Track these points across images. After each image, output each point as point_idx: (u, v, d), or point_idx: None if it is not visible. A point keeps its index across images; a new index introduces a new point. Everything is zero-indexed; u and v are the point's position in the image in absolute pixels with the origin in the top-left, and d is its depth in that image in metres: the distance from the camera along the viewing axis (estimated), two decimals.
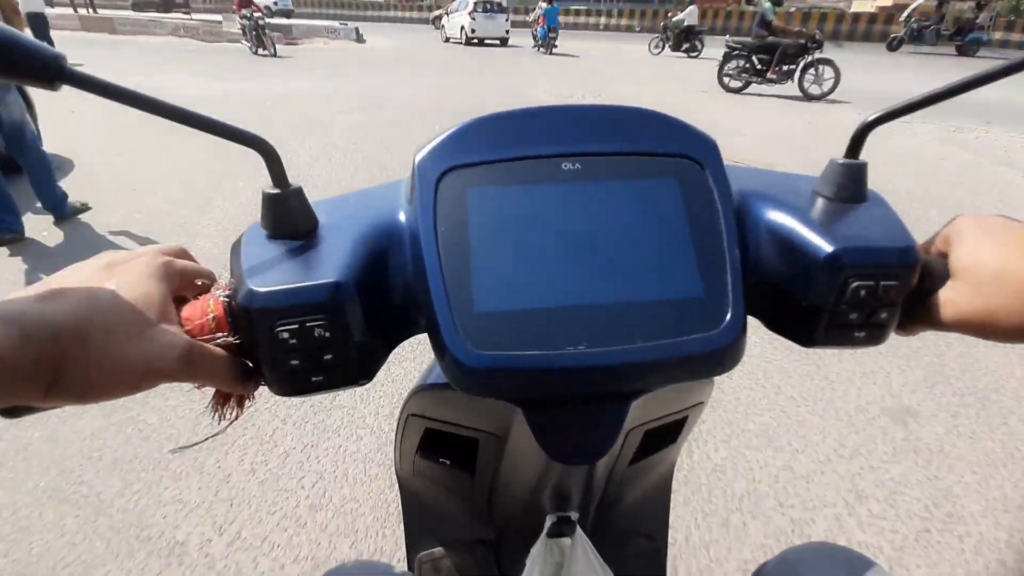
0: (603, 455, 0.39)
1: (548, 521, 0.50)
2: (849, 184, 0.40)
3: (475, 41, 18.08)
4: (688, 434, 0.57)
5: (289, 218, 0.38)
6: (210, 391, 0.38)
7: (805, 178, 0.44)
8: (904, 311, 0.39)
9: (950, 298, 0.38)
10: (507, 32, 18.37)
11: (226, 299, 0.36)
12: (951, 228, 0.39)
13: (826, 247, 0.36)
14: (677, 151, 0.39)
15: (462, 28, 18.31)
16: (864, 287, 0.36)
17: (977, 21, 17.33)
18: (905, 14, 18.91)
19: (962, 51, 17.56)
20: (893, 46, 18.04)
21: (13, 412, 0.31)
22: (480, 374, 0.34)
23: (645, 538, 0.69)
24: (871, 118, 0.38)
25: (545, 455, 0.39)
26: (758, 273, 0.39)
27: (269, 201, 0.37)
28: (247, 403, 0.39)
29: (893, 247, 0.37)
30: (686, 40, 15.24)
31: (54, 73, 0.28)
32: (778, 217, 0.39)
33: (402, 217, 0.39)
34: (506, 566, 0.64)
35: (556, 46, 16.00)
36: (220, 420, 0.38)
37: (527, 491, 0.51)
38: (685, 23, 15.19)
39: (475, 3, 17.73)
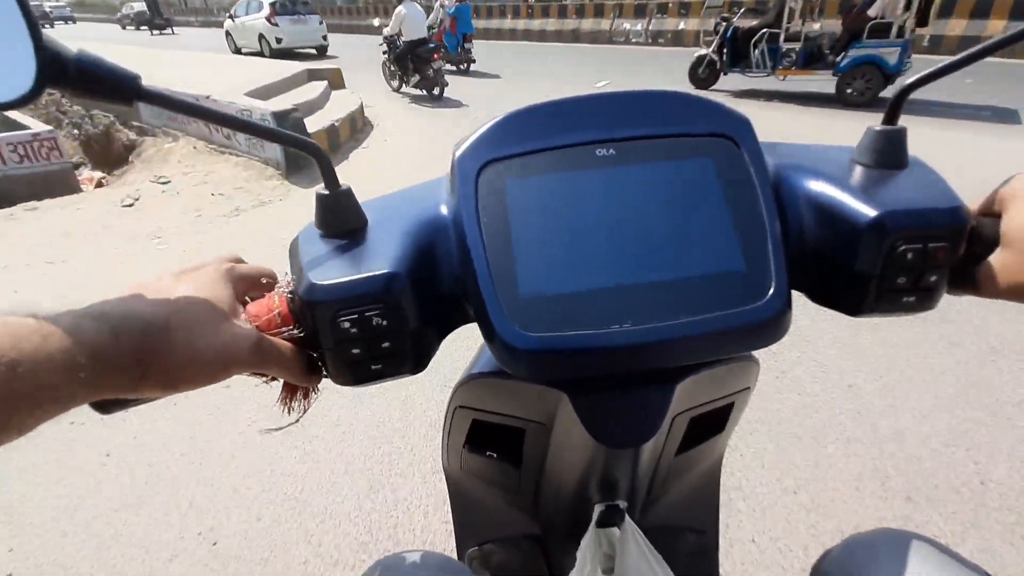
0: (650, 437, 0.40)
1: (596, 511, 0.51)
2: (888, 150, 0.41)
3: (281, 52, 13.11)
4: (735, 423, 0.57)
5: (341, 217, 0.40)
6: (277, 387, 0.40)
7: (842, 148, 0.44)
8: (953, 274, 0.39)
9: (997, 268, 0.37)
10: (324, 39, 14.40)
11: (289, 295, 0.38)
12: (1007, 188, 0.38)
13: (871, 212, 0.37)
14: (710, 130, 0.40)
15: (261, 37, 13.92)
16: (912, 250, 0.36)
17: (872, 13, 6.39)
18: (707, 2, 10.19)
19: (840, 92, 6.74)
20: (701, 75, 7.85)
21: (106, 408, 0.33)
22: (530, 355, 0.36)
23: (695, 533, 0.68)
24: (908, 83, 0.38)
25: (592, 440, 0.40)
26: (801, 245, 0.40)
27: (322, 201, 0.40)
28: (312, 395, 0.41)
29: (940, 208, 0.37)
30: (424, 81, 7.92)
31: (132, 92, 0.31)
32: (818, 187, 0.40)
33: (445, 211, 0.41)
34: (554, 560, 0.64)
35: (474, 61, 10.25)
36: (288, 412, 0.40)
37: (574, 480, 0.52)
38: (402, 37, 7.81)
39: (272, 3, 13.60)
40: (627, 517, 0.51)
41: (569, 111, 0.41)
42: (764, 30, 7.07)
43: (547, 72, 10.05)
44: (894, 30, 6.09)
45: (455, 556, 0.68)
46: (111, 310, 0.30)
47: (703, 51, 7.75)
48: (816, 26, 7.83)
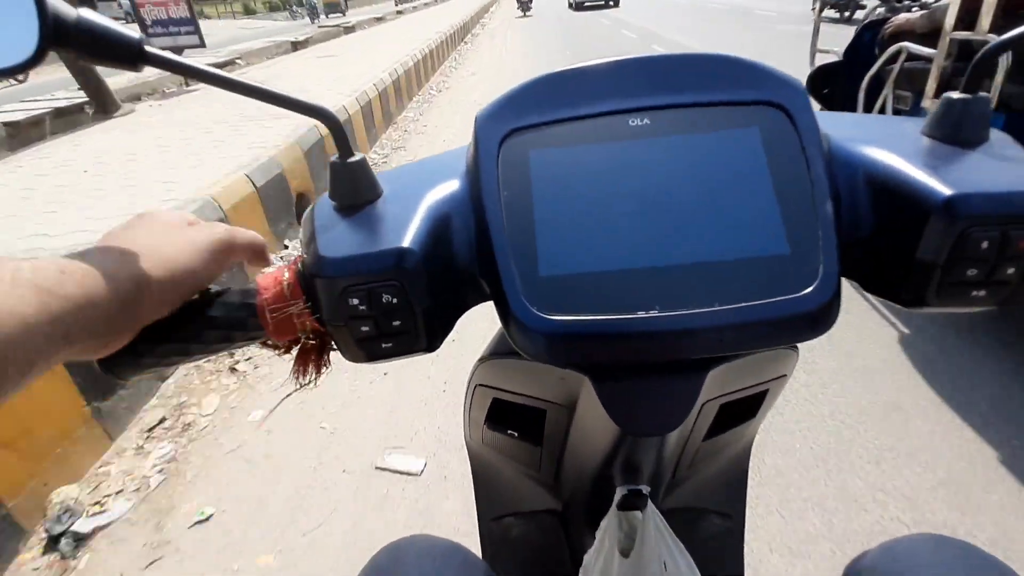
0: (676, 427, 0.38)
1: (618, 494, 0.50)
2: (965, 122, 0.36)
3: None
4: (768, 409, 0.54)
5: (355, 187, 0.38)
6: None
7: (912, 120, 0.39)
8: None
9: None
10: None
11: (300, 268, 0.37)
12: None
13: (941, 192, 0.32)
14: (757, 98, 0.36)
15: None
16: (986, 238, 0.32)
17: None
18: None
19: None
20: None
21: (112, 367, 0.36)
22: (546, 339, 0.34)
23: (720, 516, 0.66)
24: (993, 45, 0.33)
25: (614, 426, 0.38)
26: (855, 228, 0.36)
27: (335, 170, 0.38)
28: (324, 368, 0.41)
29: (1022, 191, 0.32)
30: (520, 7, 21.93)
31: (137, 56, 0.31)
32: (880, 164, 0.35)
33: (465, 183, 0.39)
34: (574, 537, 0.63)
35: (530, 8, 21.51)
36: (300, 386, 0.41)
37: (596, 463, 0.50)
38: None
39: None
40: (650, 502, 0.49)
41: (601, 76, 0.38)
42: (902, 44, 2.36)
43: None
44: None
45: (476, 527, 0.70)
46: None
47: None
48: None
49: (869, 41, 2.80)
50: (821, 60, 3.11)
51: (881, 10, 2.92)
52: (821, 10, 3.40)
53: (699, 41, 10.60)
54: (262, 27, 22.47)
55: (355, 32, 13.49)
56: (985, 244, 0.32)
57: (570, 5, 24.54)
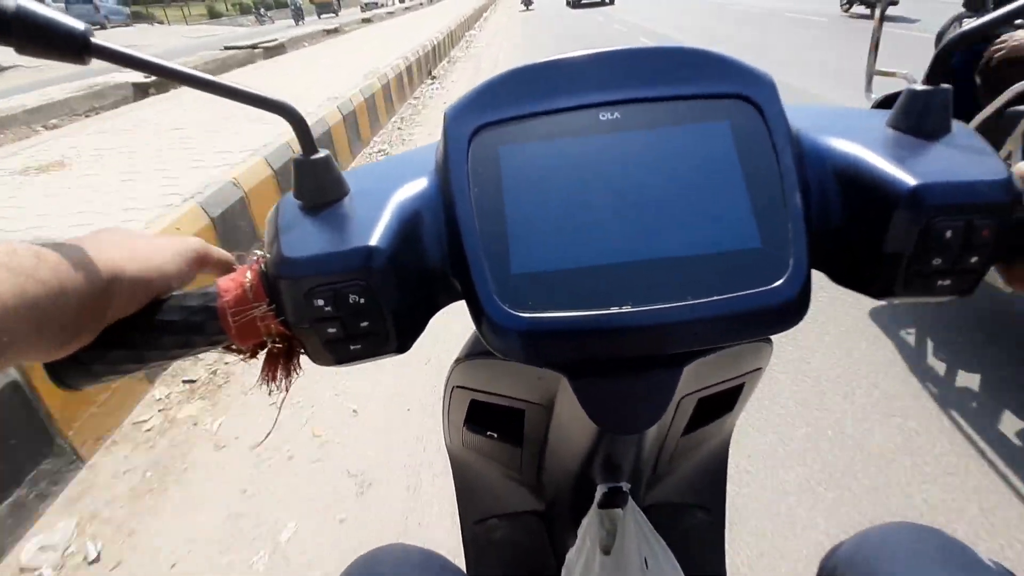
0: (654, 423, 0.38)
1: (599, 492, 0.50)
2: (930, 114, 0.36)
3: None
4: (745, 402, 0.55)
5: (320, 185, 0.37)
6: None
7: (877, 113, 0.40)
8: (995, 254, 0.35)
9: None
10: None
11: (263, 269, 0.36)
12: None
13: (906, 183, 0.33)
14: (727, 91, 0.37)
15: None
16: (951, 227, 0.32)
17: None
18: None
19: None
20: None
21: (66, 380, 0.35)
22: (518, 337, 0.33)
23: (701, 510, 0.67)
24: (953, 38, 0.34)
25: (593, 424, 0.38)
26: (824, 220, 0.36)
27: (299, 168, 0.37)
28: (294, 373, 0.39)
29: (984, 180, 0.33)
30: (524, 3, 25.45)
31: (82, 47, 0.29)
32: (847, 156, 0.36)
33: (435, 180, 0.38)
34: (557, 537, 0.63)
35: (532, 3, 24.89)
36: (270, 392, 0.39)
37: (576, 461, 0.50)
38: None
39: None
40: (630, 499, 0.49)
41: (572, 70, 0.38)
42: None
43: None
44: None
45: (459, 529, 0.70)
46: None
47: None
48: None
49: (961, 66, 1.96)
50: (881, 85, 2.26)
51: (968, 22, 2.05)
52: (882, 18, 2.32)
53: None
54: (214, 35, 19.47)
55: (284, 54, 9.47)
56: (950, 233, 0.32)
57: (568, 3, 25.01)
